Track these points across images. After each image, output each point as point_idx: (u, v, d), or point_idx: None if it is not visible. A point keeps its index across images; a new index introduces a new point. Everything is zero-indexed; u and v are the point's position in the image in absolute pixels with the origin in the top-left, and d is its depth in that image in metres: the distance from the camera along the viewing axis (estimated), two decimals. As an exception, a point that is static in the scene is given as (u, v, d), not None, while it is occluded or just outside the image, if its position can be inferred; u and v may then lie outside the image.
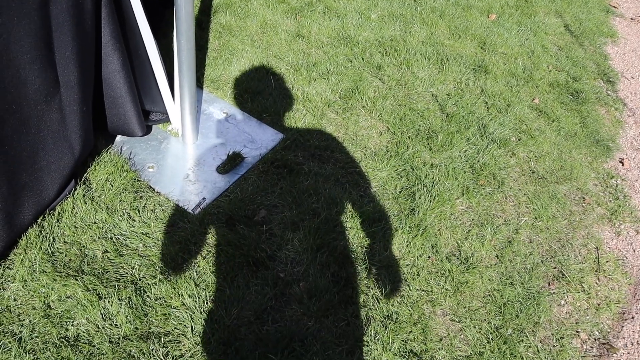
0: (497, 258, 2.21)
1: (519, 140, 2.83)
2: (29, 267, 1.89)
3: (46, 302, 1.82)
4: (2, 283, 1.85)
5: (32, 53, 1.58)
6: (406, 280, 2.04)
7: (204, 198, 2.19)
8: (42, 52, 1.61)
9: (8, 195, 1.76)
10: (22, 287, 1.84)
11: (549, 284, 2.18)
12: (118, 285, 1.87)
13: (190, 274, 1.93)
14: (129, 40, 2.07)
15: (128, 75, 2.06)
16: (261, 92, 2.75)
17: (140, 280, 1.90)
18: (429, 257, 2.14)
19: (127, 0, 1.96)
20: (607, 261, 2.34)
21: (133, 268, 1.94)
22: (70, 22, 1.65)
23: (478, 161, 2.60)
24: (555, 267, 2.25)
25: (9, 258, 1.91)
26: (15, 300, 1.82)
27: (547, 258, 2.27)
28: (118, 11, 1.94)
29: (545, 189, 2.58)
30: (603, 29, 4.27)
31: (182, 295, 1.87)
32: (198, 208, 2.15)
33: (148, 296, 1.86)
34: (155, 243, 2.01)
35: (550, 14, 4.29)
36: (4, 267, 1.89)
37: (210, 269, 1.96)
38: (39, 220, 1.99)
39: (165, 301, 1.85)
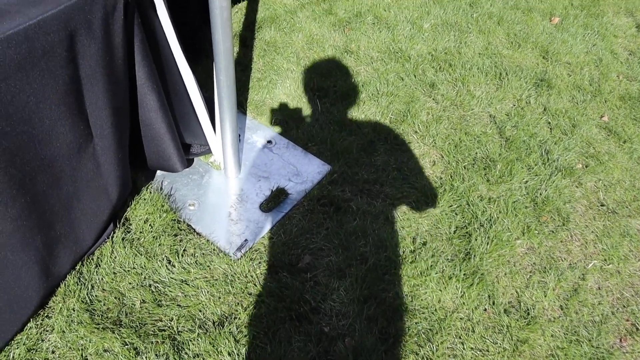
0: (562, 309, 2.02)
1: (586, 167, 2.60)
2: (67, 317, 1.84)
3: (83, 355, 1.77)
4: (41, 333, 1.81)
5: (62, 108, 1.50)
6: (460, 337, 1.89)
7: (246, 240, 2.09)
8: (72, 106, 1.53)
9: (43, 247, 1.71)
10: (60, 338, 1.79)
11: (620, 340, 1.97)
12: (155, 340, 1.79)
13: (230, 329, 1.83)
14: (167, 78, 1.98)
15: (166, 114, 1.96)
16: (307, 118, 2.62)
17: (178, 334, 1.82)
18: (485, 309, 1.97)
19: (164, 38, 1.85)
20: (686, 311, 2.11)
21: (171, 320, 1.85)
22: (101, 73, 1.56)
23: (540, 194, 2.40)
24: (627, 320, 2.04)
25: (48, 306, 1.87)
26: (53, 352, 1.77)
27: (618, 308, 2.06)
28: (154, 50, 1.84)
29: (616, 224, 2.35)
30: (680, 31, 3.92)
31: (221, 352, 1.78)
32: (239, 252, 2.05)
33: (186, 353, 1.78)
34: (194, 292, 1.93)
35: (620, 13, 3.96)
36: (43, 316, 1.84)
37: (250, 322, 1.86)
38: (78, 267, 1.94)
39: (203, 359, 1.77)
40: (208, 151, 2.33)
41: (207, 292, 1.93)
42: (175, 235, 2.08)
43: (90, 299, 1.89)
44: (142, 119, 1.94)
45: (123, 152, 1.86)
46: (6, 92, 1.30)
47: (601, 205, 2.43)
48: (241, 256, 2.04)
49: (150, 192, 2.19)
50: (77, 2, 1.37)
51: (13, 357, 1.73)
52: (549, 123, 2.80)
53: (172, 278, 1.96)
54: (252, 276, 1.99)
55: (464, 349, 1.86)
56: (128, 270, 1.97)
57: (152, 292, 1.92)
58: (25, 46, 1.29)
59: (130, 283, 1.94)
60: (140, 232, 2.06)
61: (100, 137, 1.70)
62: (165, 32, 1.84)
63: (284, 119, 2.62)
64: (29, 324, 1.81)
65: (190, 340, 1.80)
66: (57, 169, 1.61)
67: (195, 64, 2.78)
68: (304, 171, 2.36)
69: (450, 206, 2.29)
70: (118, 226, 2.05)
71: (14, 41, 1.26)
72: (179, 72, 2.00)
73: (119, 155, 1.82)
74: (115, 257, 1.99)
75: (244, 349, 1.79)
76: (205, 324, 1.85)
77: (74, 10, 1.38)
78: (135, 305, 1.89)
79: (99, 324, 1.82)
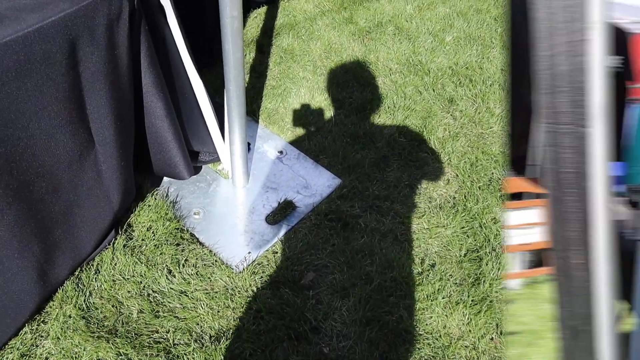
0: (574, 342, 1.93)
1: (607, 192, 2.50)
2: (63, 323, 1.81)
3: (77, 363, 1.74)
4: (36, 339, 1.78)
5: (62, 115, 1.47)
6: (465, 367, 1.82)
7: (249, 252, 2.04)
8: (73, 113, 1.50)
9: (41, 253, 1.69)
10: (54, 345, 1.77)
11: (634, 379, 1.88)
12: (150, 352, 1.75)
13: (226, 344, 1.79)
14: (175, 85, 1.95)
15: (173, 122, 1.93)
16: (320, 129, 2.56)
17: (173, 347, 1.78)
18: (492, 338, 1.90)
19: (173, 44, 1.82)
20: None
21: (168, 332, 1.82)
22: (104, 80, 1.53)
23: (557, 219, 2.30)
24: (642, 357, 1.94)
25: (45, 311, 1.84)
26: (47, 359, 1.74)
27: (633, 344, 1.97)
28: (162, 56, 1.81)
29: (636, 254, 2.26)
30: None
31: (216, 369, 1.73)
32: (242, 265, 2.00)
33: (180, 368, 1.74)
34: (193, 304, 1.89)
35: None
36: (39, 321, 1.82)
37: (248, 338, 1.81)
38: (77, 273, 1.92)
39: (197, 375, 1.73)
40: (216, 159, 2.30)
41: (206, 305, 1.89)
42: (178, 244, 2.04)
43: (87, 306, 1.86)
44: (148, 126, 1.91)
45: (127, 159, 1.83)
46: (3, 99, 1.28)
47: (621, 234, 2.33)
48: (243, 269, 2.00)
49: (155, 199, 2.16)
50: (78, 9, 1.34)
51: (5, 362, 1.71)
52: (571, 144, 2.71)
53: (172, 288, 1.92)
54: (253, 291, 1.94)
55: (467, 379, 1.79)
56: (127, 278, 1.93)
57: (151, 302, 1.89)
58: (23, 53, 1.27)
59: (129, 291, 1.91)
60: (142, 240, 2.03)
61: (103, 145, 1.67)
62: (174, 39, 1.81)
63: (297, 128, 2.57)
64: (24, 329, 1.78)
65: (185, 354, 1.76)
66: (56, 176, 1.58)
67: (210, 70, 2.75)
68: (313, 184, 2.30)
69: (462, 228, 2.21)
70: (120, 233, 2.02)
71: (12, 48, 1.24)
72: (188, 79, 1.96)
73: (122, 162, 1.79)
74: (115, 265, 1.96)
75: (240, 367, 1.75)
76: (202, 337, 1.81)
77: (76, 17, 1.34)
78: (132, 314, 1.86)
79: (94, 332, 1.79)
